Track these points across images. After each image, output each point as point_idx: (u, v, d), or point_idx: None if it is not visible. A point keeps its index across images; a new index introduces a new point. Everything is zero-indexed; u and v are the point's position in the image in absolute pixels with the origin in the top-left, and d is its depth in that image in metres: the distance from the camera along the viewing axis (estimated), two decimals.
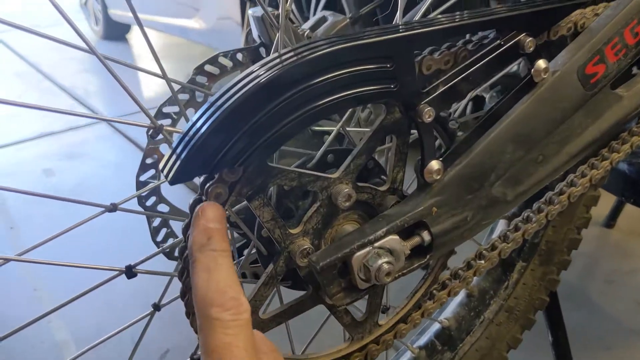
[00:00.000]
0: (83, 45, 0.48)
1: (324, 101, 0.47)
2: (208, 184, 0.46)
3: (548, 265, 0.88)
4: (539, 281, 0.88)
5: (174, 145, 0.45)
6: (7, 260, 0.53)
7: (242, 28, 2.61)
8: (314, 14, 2.09)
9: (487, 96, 0.88)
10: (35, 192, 0.55)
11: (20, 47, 4.66)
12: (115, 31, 4.56)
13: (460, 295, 0.91)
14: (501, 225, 0.87)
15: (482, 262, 0.68)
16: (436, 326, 0.89)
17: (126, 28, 4.61)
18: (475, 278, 0.87)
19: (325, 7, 2.08)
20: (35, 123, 2.86)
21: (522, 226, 0.69)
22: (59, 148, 2.57)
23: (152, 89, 3.34)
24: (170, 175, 0.43)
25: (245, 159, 0.45)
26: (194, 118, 0.46)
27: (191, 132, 0.45)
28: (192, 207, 0.47)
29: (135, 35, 4.91)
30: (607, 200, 1.39)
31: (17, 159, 2.50)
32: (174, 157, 0.44)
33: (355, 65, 0.46)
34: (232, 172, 0.46)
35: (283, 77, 0.45)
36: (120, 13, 4.11)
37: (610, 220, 1.68)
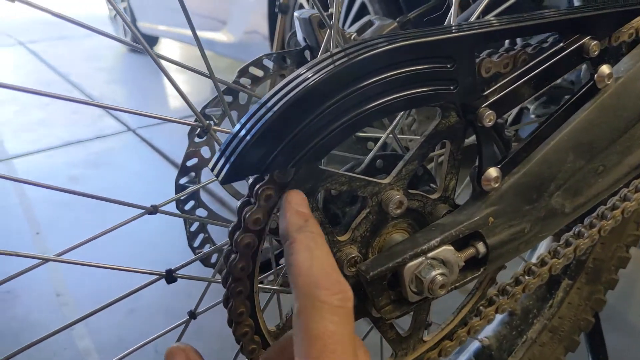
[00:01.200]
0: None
1: (379, 102, 0.45)
2: (258, 185, 0.44)
3: (595, 284, 0.84)
4: (585, 301, 0.84)
5: (223, 145, 0.44)
6: (46, 260, 0.52)
7: (269, 41, 2.62)
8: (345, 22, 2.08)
9: (531, 107, 0.85)
10: (75, 191, 0.54)
11: (50, 57, 4.77)
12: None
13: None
14: (547, 241, 0.84)
15: (532, 278, 0.64)
16: (476, 345, 0.85)
17: (154, 40, 4.70)
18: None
19: (352, 23, 2.09)
20: (64, 131, 2.90)
21: (574, 242, 0.66)
22: (85, 156, 2.60)
23: (181, 101, 3.37)
24: (222, 175, 0.41)
25: (297, 160, 0.43)
26: (244, 119, 0.44)
27: (242, 133, 0.43)
28: (241, 209, 0.45)
29: (162, 47, 4.98)
30: None
31: (45, 166, 2.53)
32: (224, 157, 0.43)
33: (415, 64, 0.44)
34: (284, 173, 0.44)
35: (338, 76, 0.43)
36: (148, 25, 4.18)
37: None
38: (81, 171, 2.43)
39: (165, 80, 3.76)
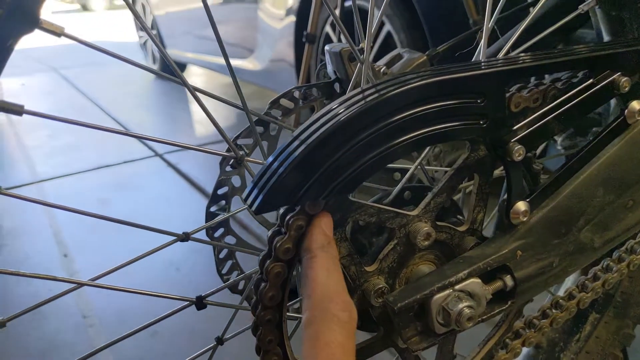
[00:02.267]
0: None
1: (409, 136, 0.46)
2: (289, 216, 0.45)
3: (623, 318, 0.82)
4: (612, 335, 0.82)
5: (256, 176, 0.45)
6: (80, 284, 0.53)
7: (295, 69, 2.66)
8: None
9: (558, 139, 0.85)
10: (107, 217, 0.55)
11: (81, 83, 4.92)
12: (172, 70, 4.76)
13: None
14: (574, 274, 0.83)
15: (559, 311, 0.64)
16: None
17: (182, 67, 4.82)
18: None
19: (378, 52, 2.11)
20: (93, 155, 2.97)
21: (602, 275, 0.65)
22: (114, 180, 2.65)
23: (205, 125, 3.43)
24: (255, 204, 0.43)
25: (329, 192, 0.44)
26: (277, 151, 0.45)
27: (275, 165, 0.44)
28: (272, 238, 0.46)
29: (190, 74, 5.10)
30: None
31: (75, 189, 2.58)
32: (257, 188, 0.44)
33: (444, 100, 0.45)
34: (315, 205, 0.45)
35: (368, 112, 0.44)
36: (176, 52, 4.29)
37: None
38: (110, 195, 2.48)
39: (193, 107, 3.84)
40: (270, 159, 0.45)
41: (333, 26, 2.21)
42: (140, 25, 4.95)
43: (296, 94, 0.65)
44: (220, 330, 0.62)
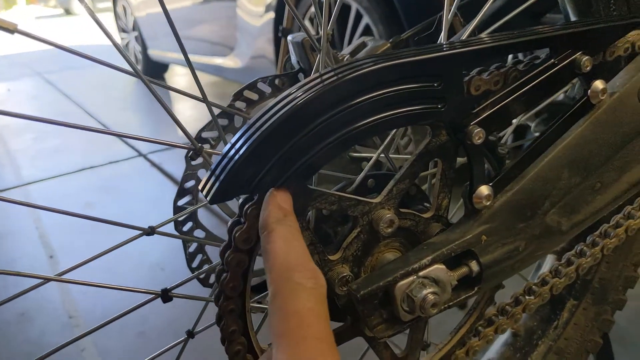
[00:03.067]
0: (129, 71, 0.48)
1: (367, 121, 0.45)
2: (247, 205, 0.44)
3: (602, 304, 0.82)
4: (591, 321, 0.82)
5: (213, 166, 0.44)
6: (47, 279, 0.52)
7: (275, 65, 2.65)
8: (349, 43, 2.11)
9: (532, 124, 0.85)
10: (81, 214, 0.55)
11: (66, 87, 4.89)
12: (154, 70, 4.76)
13: (506, 334, 0.85)
14: (550, 260, 0.82)
15: (532, 298, 0.63)
16: None
17: (164, 67, 4.81)
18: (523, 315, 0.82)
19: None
20: (77, 157, 2.95)
21: (576, 260, 0.65)
22: (98, 181, 2.64)
23: (188, 121, 3.41)
24: (210, 194, 0.42)
25: (285, 180, 0.43)
26: (234, 139, 0.44)
27: (231, 153, 0.43)
28: (231, 228, 0.45)
29: (172, 74, 5.08)
30: None
31: (60, 191, 2.56)
32: (213, 177, 0.43)
33: (401, 84, 0.45)
34: None
35: (326, 95, 0.43)
36: (159, 53, 4.28)
37: None
38: (94, 196, 2.47)
39: (177, 107, 3.82)
40: (227, 147, 0.44)
41: (311, 20, 2.20)
42: (120, 26, 4.93)
43: (260, 85, 0.64)
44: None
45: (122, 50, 0.45)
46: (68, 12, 15.68)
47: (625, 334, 1.32)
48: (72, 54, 0.50)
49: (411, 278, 0.48)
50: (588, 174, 0.54)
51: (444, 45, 0.46)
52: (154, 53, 4.43)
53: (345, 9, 2.09)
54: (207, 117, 0.60)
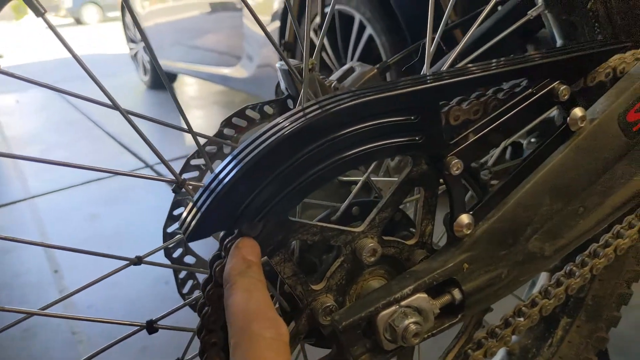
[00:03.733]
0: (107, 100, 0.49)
1: (346, 154, 0.45)
2: (227, 240, 0.45)
3: (596, 321, 0.82)
4: (585, 339, 0.82)
5: (194, 198, 0.45)
6: (33, 314, 0.53)
7: None
8: (352, 60, 2.12)
9: (524, 142, 0.85)
10: (62, 247, 0.56)
11: (74, 98, 4.92)
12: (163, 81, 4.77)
13: (500, 353, 0.85)
14: (543, 278, 0.82)
15: (522, 319, 0.63)
16: None
17: (173, 77, 4.83)
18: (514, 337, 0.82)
19: (361, 55, 2.12)
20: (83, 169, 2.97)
21: (565, 281, 0.65)
22: (104, 193, 2.66)
23: (190, 138, 3.43)
24: (188, 232, 0.42)
25: (264, 214, 0.44)
26: (216, 171, 0.45)
27: (212, 186, 0.44)
28: (212, 262, 0.46)
29: (181, 84, 5.11)
30: None
31: (66, 204, 2.59)
32: (194, 211, 0.44)
33: (379, 118, 0.45)
34: (252, 227, 0.45)
35: (304, 130, 0.44)
36: (167, 63, 4.31)
37: None
38: (100, 208, 2.48)
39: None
40: (209, 179, 0.45)
41: (314, 31, 2.21)
42: (129, 37, 4.97)
43: (248, 112, 0.65)
44: None
45: (101, 86, 0.46)
46: (78, 21, 15.87)
47: (628, 344, 1.31)
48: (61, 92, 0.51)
49: (393, 308, 0.49)
50: (570, 199, 0.54)
51: (419, 79, 0.46)
52: (163, 63, 4.45)
53: (349, 20, 2.11)
54: (210, 130, 0.62)
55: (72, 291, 0.53)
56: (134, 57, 5.04)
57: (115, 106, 0.47)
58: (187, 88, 5.04)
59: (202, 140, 0.56)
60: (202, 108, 4.16)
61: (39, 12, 0.46)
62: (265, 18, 2.71)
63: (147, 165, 2.95)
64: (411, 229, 0.58)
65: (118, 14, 5.29)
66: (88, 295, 0.56)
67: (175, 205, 0.63)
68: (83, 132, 3.82)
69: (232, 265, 0.43)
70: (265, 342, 0.37)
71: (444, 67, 0.57)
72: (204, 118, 3.71)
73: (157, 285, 1.79)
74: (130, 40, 5.03)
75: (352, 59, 2.14)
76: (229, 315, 0.40)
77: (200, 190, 0.45)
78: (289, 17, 1.99)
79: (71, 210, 2.50)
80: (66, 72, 6.13)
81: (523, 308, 0.64)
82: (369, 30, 2.04)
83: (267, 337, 0.38)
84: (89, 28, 13.96)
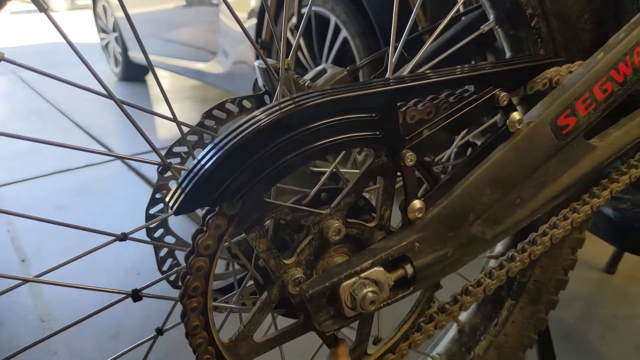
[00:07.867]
0: (101, 89, 0.55)
1: (315, 145, 0.52)
2: (209, 216, 0.51)
3: (536, 304, 0.91)
4: (527, 319, 0.91)
5: (180, 180, 0.51)
6: (25, 280, 0.58)
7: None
8: (327, 61, 2.19)
9: (479, 143, 0.94)
10: (51, 220, 0.60)
11: (39, 85, 4.85)
12: (134, 72, 4.74)
13: (452, 331, 0.94)
14: (491, 264, 0.91)
15: (468, 297, 0.72)
16: None
17: (145, 70, 4.79)
18: (465, 313, 0.92)
19: (336, 57, 2.19)
20: (52, 159, 2.96)
21: (507, 264, 0.73)
22: (74, 184, 2.66)
23: (168, 129, 3.45)
24: (175, 206, 0.49)
25: (243, 194, 0.51)
26: (200, 156, 0.51)
27: (196, 169, 0.50)
28: (194, 236, 0.52)
29: (153, 77, 5.08)
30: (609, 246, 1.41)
31: (33, 194, 2.58)
32: (179, 190, 0.50)
33: (345, 114, 0.52)
34: (231, 205, 0.51)
35: (281, 122, 0.51)
36: (139, 55, 4.28)
37: (611, 267, 1.69)
38: (69, 199, 2.49)
39: (156, 109, 3.84)
40: (194, 163, 0.51)
41: (291, 31, 2.27)
42: (100, 27, 4.91)
43: (228, 105, 0.71)
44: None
45: (94, 72, 0.51)
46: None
47: (573, 332, 1.42)
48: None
49: (354, 279, 0.56)
50: (508, 191, 0.62)
51: (381, 82, 0.54)
52: (135, 55, 4.42)
53: (325, 21, 2.17)
54: (195, 120, 0.67)
55: (61, 263, 0.58)
56: (105, 47, 4.99)
57: (110, 96, 0.53)
58: (161, 81, 5.01)
59: (185, 130, 0.62)
60: (175, 102, 4.14)
61: (42, 8, 0.51)
62: (241, 14, 2.75)
63: (118, 157, 2.96)
64: (372, 214, 0.66)
65: (87, 1, 5.20)
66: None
67: (156, 190, 0.69)
68: (50, 122, 3.77)
69: None
70: None
71: (405, 72, 0.64)
72: (178, 111, 3.69)
73: (128, 275, 1.82)
74: (102, 30, 4.97)
75: (327, 60, 2.21)
76: None
77: (184, 172, 0.51)
78: (266, 16, 2.04)
79: (38, 201, 2.49)
80: (40, 59, 6.03)
81: (470, 287, 0.72)
82: (343, 33, 2.12)
83: None
84: (57, 15, 13.65)
